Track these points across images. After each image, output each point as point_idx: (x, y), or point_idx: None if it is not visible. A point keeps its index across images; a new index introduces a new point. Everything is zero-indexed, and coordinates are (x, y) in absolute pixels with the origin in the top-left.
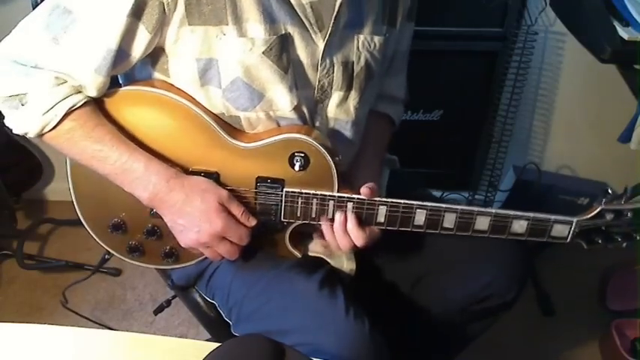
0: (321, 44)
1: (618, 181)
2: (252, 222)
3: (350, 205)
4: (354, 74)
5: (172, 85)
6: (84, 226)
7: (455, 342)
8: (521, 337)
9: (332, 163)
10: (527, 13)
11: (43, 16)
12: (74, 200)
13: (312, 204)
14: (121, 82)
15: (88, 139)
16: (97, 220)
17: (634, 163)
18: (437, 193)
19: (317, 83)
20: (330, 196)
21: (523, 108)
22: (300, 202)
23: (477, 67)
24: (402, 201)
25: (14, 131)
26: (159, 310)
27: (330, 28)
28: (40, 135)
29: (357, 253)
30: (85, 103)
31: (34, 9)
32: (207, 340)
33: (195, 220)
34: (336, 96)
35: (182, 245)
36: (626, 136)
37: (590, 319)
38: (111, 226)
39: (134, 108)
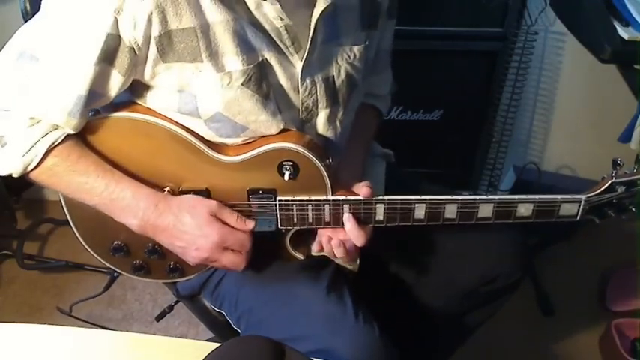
0: (298, 66)
1: None
2: (250, 225)
3: (346, 207)
4: (337, 88)
5: (152, 109)
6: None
7: (459, 331)
8: (521, 337)
9: (322, 168)
10: (527, 13)
11: (9, 62)
12: (73, 227)
13: (307, 210)
14: (100, 110)
15: (72, 172)
16: (98, 244)
17: (638, 154)
18: None
19: (301, 105)
20: (324, 200)
21: (523, 108)
22: (295, 210)
23: (477, 67)
24: (399, 197)
25: None
26: (161, 316)
27: (307, 49)
28: (25, 174)
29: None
30: (65, 138)
31: (24, 17)
32: (208, 341)
33: (191, 237)
34: (322, 114)
35: (191, 265)
36: (626, 136)
37: (590, 319)
38: (112, 249)
39: (116, 134)
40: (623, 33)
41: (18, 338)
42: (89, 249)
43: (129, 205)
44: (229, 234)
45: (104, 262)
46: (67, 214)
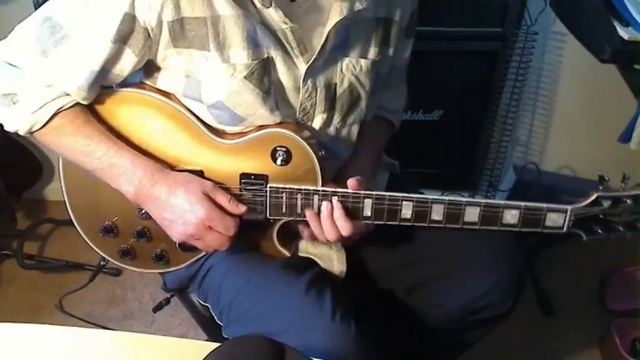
0: (303, 68)
1: (618, 182)
2: (242, 208)
3: (335, 199)
4: (337, 96)
5: (159, 88)
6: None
7: (450, 349)
8: (521, 337)
9: (314, 156)
10: (527, 13)
11: (35, 26)
12: (67, 205)
13: (296, 199)
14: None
15: (76, 134)
16: (89, 223)
17: (634, 163)
18: (437, 194)
19: (299, 105)
20: (314, 190)
21: (523, 108)
22: (284, 198)
23: (477, 67)
24: (387, 193)
25: (5, 128)
26: (158, 308)
27: (315, 55)
28: (30, 133)
29: (349, 256)
30: (73, 104)
31: (36, 9)
32: (207, 340)
33: (180, 211)
34: (319, 118)
35: (174, 240)
36: (626, 136)
37: (590, 319)
38: (102, 230)
39: (120, 108)
40: (623, 33)
41: (18, 338)
42: (79, 229)
43: (125, 172)
44: (217, 215)
45: (92, 244)
46: (63, 191)
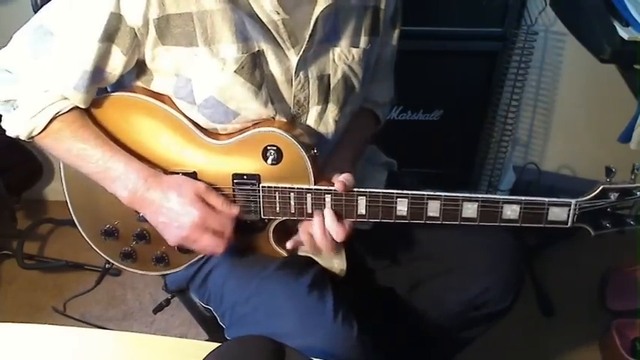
0: (294, 59)
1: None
2: (235, 210)
3: (328, 197)
4: (331, 87)
5: (152, 91)
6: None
7: (451, 345)
8: (521, 337)
9: (304, 154)
10: (527, 13)
11: (29, 32)
12: (70, 208)
13: (289, 198)
14: (108, 88)
15: (73, 138)
16: (91, 226)
17: (634, 163)
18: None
19: (293, 98)
20: (307, 189)
21: (523, 108)
22: (277, 197)
23: (477, 67)
24: (381, 190)
25: (7, 133)
26: (158, 309)
27: (304, 45)
28: (31, 137)
29: (349, 254)
30: (71, 108)
31: (34, 10)
32: (207, 340)
33: (174, 214)
34: (314, 110)
35: (170, 244)
36: (626, 136)
37: (590, 319)
38: (103, 233)
39: (113, 112)
40: (623, 33)
41: (18, 338)
42: (82, 232)
43: (120, 177)
44: (212, 215)
45: (95, 247)
46: (66, 194)
